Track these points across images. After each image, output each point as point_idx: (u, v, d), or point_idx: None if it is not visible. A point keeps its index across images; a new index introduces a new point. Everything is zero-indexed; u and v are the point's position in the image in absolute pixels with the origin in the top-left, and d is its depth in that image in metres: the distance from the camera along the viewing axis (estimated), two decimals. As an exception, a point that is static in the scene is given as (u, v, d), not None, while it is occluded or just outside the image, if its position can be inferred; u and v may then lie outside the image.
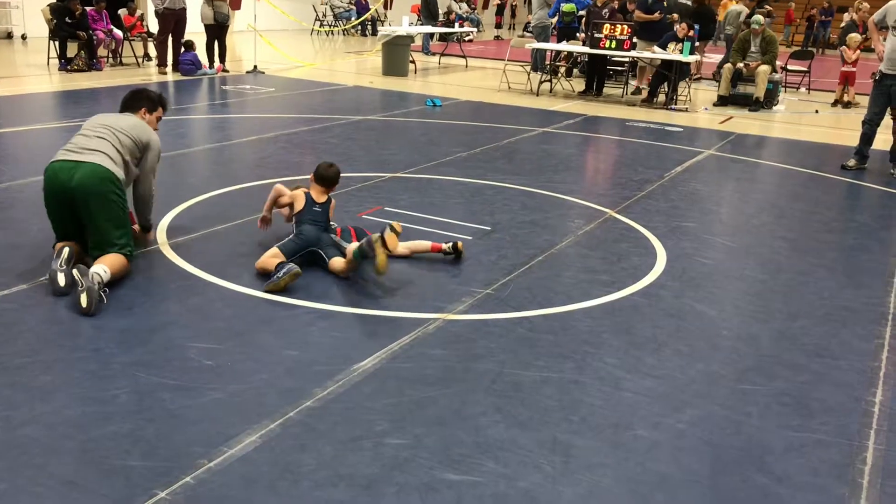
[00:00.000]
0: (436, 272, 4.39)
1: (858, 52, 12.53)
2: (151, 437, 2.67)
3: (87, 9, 12.17)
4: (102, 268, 3.76)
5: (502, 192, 6.20)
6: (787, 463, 2.78)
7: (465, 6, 25.16)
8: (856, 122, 8.83)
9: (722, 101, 11.85)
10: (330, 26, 22.44)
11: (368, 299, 3.99)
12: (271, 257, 4.13)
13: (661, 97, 11.78)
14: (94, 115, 4.33)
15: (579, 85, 13.01)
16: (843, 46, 12.84)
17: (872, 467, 2.79)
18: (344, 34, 22.47)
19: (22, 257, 4.21)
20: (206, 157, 7.01)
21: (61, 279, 3.73)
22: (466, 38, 21.07)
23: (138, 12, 13.86)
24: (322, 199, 4.48)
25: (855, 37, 12.63)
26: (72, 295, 3.68)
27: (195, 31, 12.60)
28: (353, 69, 14.73)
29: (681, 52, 11.39)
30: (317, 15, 22.41)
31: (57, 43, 11.81)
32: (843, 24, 15.30)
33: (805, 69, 14.09)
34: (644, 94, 12.07)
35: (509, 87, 12.64)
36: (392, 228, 4.00)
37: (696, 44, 12.69)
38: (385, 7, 24.12)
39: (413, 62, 14.40)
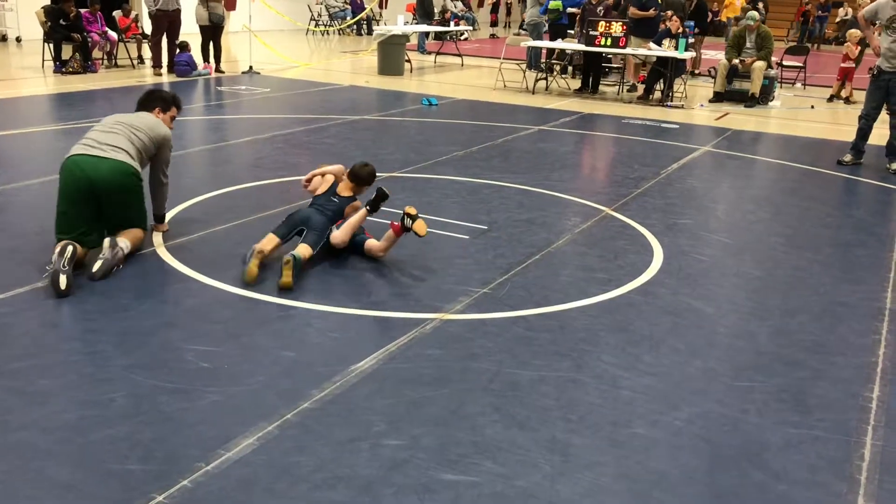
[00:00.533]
0: (433, 272, 4.39)
1: (859, 47, 12.54)
2: (149, 441, 2.67)
3: (82, 11, 12.14)
4: (126, 242, 4.14)
5: (499, 191, 6.20)
6: (785, 459, 2.78)
7: (460, 5, 25.16)
8: (851, 117, 8.83)
9: (718, 98, 11.86)
10: (325, 26, 22.41)
11: (365, 300, 3.99)
12: (266, 242, 4.22)
13: (657, 94, 11.79)
14: (93, 116, 4.43)
15: (575, 83, 13.01)
16: (848, 43, 12.83)
17: (870, 463, 2.79)
18: (339, 34, 22.45)
19: (18, 261, 4.21)
20: (202, 158, 6.99)
21: (63, 281, 3.73)
22: (462, 37, 21.06)
23: (133, 14, 13.82)
24: (346, 193, 4.57)
25: (855, 32, 12.64)
26: (88, 257, 3.99)
27: (190, 32, 12.59)
28: (349, 69, 14.72)
29: (676, 48, 11.40)
30: (312, 15, 22.37)
31: (51, 45, 11.77)
32: (838, 19, 15.29)
33: (800, 65, 14.10)
34: (640, 90, 12.08)
35: (505, 86, 12.63)
36: (408, 214, 4.22)
37: (692, 40, 12.68)
38: (380, 6, 24.09)
39: (409, 61, 14.39)
